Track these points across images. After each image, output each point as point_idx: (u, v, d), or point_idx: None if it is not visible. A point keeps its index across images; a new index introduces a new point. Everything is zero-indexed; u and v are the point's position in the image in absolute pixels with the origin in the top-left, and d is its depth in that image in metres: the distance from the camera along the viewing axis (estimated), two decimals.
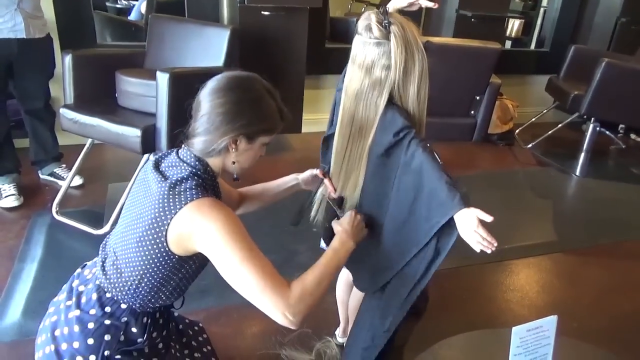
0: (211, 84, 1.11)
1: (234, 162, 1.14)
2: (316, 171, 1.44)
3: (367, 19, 1.27)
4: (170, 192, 1.05)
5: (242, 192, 1.46)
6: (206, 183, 1.11)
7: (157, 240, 1.05)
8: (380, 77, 1.27)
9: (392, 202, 1.32)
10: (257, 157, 1.19)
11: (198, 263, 1.15)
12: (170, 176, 1.09)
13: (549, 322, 0.97)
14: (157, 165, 1.14)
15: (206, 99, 1.09)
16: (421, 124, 1.35)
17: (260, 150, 1.18)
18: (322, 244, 1.69)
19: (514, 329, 0.96)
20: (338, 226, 1.31)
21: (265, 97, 1.12)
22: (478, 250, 1.14)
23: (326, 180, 1.42)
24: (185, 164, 1.11)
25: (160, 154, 1.19)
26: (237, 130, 1.08)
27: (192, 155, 1.12)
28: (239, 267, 1.03)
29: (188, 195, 1.04)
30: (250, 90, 1.11)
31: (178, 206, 1.04)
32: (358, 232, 1.31)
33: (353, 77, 1.31)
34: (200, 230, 1.03)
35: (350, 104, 1.33)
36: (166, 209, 1.04)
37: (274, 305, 1.03)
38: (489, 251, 1.14)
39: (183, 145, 1.15)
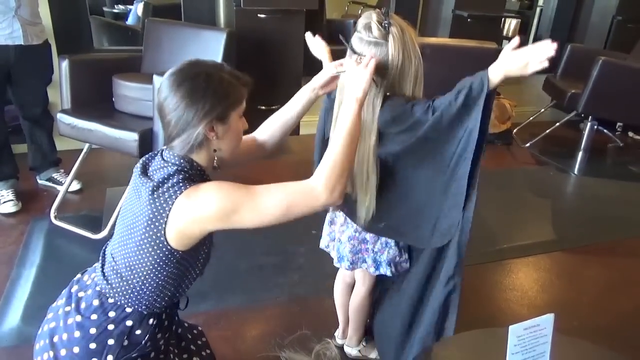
0: (163, 85, 1.09)
1: (215, 150, 1.13)
2: (331, 69, 1.35)
3: (368, 18, 1.29)
4: (158, 192, 1.05)
5: (258, 135, 1.39)
6: (194, 176, 1.10)
7: (157, 241, 1.05)
8: (377, 77, 1.28)
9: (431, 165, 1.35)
10: (241, 132, 1.17)
11: (204, 255, 1.15)
12: (155, 177, 1.09)
13: (546, 320, 0.97)
14: (144, 170, 1.14)
15: (165, 102, 1.08)
16: None
17: (240, 125, 1.16)
18: (321, 244, 1.69)
19: (511, 327, 0.96)
20: (345, 93, 1.24)
21: (215, 74, 1.09)
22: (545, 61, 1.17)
23: (339, 65, 1.33)
24: (170, 164, 1.10)
25: (145, 158, 1.18)
26: (206, 117, 1.06)
27: (176, 155, 1.11)
28: (256, 212, 1.04)
29: (177, 189, 1.04)
30: (199, 74, 1.08)
31: (170, 202, 1.04)
32: (359, 84, 1.20)
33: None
34: (200, 213, 1.03)
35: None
36: (159, 209, 1.04)
37: (310, 205, 1.07)
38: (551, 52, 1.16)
39: (166, 148, 1.14)
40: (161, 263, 1.07)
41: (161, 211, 1.04)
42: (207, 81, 1.07)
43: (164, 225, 1.04)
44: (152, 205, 1.05)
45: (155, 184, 1.06)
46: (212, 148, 1.12)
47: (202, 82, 1.07)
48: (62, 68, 2.49)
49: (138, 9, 3.98)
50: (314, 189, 1.07)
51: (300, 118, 1.40)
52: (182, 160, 1.10)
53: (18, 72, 2.52)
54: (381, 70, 1.27)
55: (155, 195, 1.05)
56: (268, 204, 1.05)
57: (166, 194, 1.05)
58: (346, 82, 1.26)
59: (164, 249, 1.06)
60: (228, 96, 1.09)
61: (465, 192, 1.30)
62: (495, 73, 1.20)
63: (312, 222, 1.57)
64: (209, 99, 1.06)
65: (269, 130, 1.39)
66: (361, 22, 1.30)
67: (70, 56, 2.52)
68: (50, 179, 2.86)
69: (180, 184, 1.05)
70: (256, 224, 1.07)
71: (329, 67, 1.37)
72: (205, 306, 2.03)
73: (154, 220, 1.04)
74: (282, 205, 1.06)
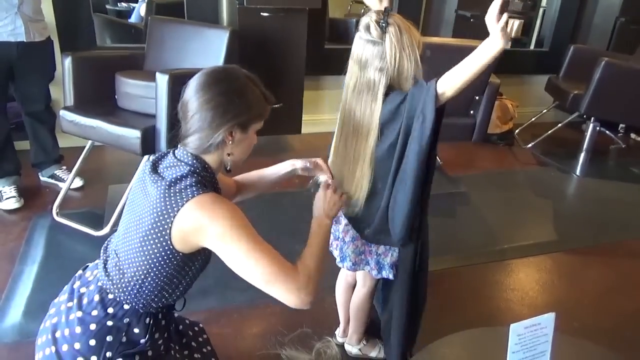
0: (194, 82, 1.12)
1: (229, 154, 1.15)
2: (315, 159, 1.45)
3: (368, 18, 1.30)
4: (170, 191, 1.06)
5: (238, 180, 1.47)
6: (205, 180, 1.12)
7: (161, 239, 1.06)
8: (374, 79, 1.30)
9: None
10: (252, 146, 1.20)
11: (202, 260, 1.16)
12: (168, 176, 1.09)
13: (547, 319, 0.97)
14: (154, 167, 1.15)
15: (193, 98, 1.10)
16: None
17: (254, 138, 1.19)
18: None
19: (512, 326, 0.96)
20: (315, 210, 1.34)
21: (249, 85, 1.12)
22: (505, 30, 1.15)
23: (325, 166, 1.43)
24: (183, 163, 1.11)
25: (156, 156, 1.19)
26: (231, 122, 1.09)
27: (189, 154, 1.12)
28: (247, 258, 1.06)
29: (189, 192, 1.05)
30: (233, 80, 1.12)
31: (180, 204, 1.04)
32: (332, 207, 1.33)
33: (352, 73, 1.35)
34: (204, 226, 1.04)
35: (349, 99, 1.37)
36: (168, 208, 1.05)
37: (288, 290, 1.09)
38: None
39: (179, 146, 1.15)
40: (162, 262, 1.08)
41: (170, 210, 1.05)
42: (242, 89, 1.11)
43: (170, 225, 1.05)
44: (163, 203, 1.05)
45: (167, 182, 1.07)
46: (226, 152, 1.14)
47: (237, 87, 1.10)
48: (65, 65, 2.50)
49: (141, 7, 3.99)
50: (300, 289, 1.09)
51: (273, 186, 1.49)
52: (195, 161, 1.11)
53: (20, 69, 2.53)
54: None
55: (167, 194, 1.06)
56: (259, 262, 1.07)
57: (178, 195, 1.05)
58: (315, 204, 1.34)
59: (167, 248, 1.07)
60: (255, 108, 1.13)
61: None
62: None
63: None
64: (239, 105, 1.10)
65: (246, 183, 1.47)
66: (362, 21, 1.33)
67: (73, 53, 2.52)
68: (52, 176, 2.87)
69: (194, 187, 1.06)
70: (237, 269, 1.09)
71: (318, 165, 1.44)
72: (207, 304, 2.03)
73: (161, 218, 1.05)
74: (265, 275, 1.08)
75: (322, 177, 1.44)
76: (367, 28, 1.29)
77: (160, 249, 1.07)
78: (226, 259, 1.08)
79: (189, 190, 1.05)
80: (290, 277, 1.09)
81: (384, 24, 1.26)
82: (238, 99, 1.10)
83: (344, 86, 1.39)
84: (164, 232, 1.05)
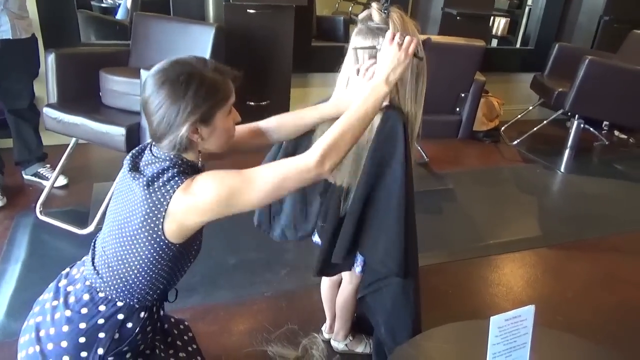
0: (146, 85, 1.06)
1: (200, 151, 1.12)
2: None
3: (368, 8, 1.30)
4: (154, 186, 1.04)
5: (264, 123, 1.33)
6: (187, 170, 1.09)
7: (154, 235, 1.05)
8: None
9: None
10: (230, 129, 1.14)
11: (197, 248, 1.16)
12: (149, 172, 1.08)
13: (527, 312, 0.98)
14: (134, 163, 1.13)
15: (148, 101, 1.05)
16: (417, 121, 1.35)
17: (228, 122, 1.12)
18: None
19: (492, 318, 0.97)
20: (376, 71, 1.20)
21: (196, 73, 1.04)
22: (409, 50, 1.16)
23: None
24: (160, 159, 1.09)
25: (134, 152, 1.17)
26: (189, 119, 1.03)
27: (165, 152, 1.10)
28: (251, 188, 1.05)
29: (173, 184, 1.04)
30: (178, 75, 1.03)
31: (167, 197, 1.03)
32: (396, 68, 1.17)
33: (347, 62, 1.34)
34: (196, 200, 1.03)
35: (345, 94, 1.35)
36: (157, 203, 1.04)
37: (304, 179, 1.07)
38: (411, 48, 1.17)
39: (154, 144, 1.12)
40: (156, 256, 1.07)
41: (159, 206, 1.03)
42: (187, 82, 1.02)
43: (161, 220, 1.03)
44: (149, 200, 1.04)
45: (149, 178, 1.05)
46: (198, 149, 1.11)
47: (182, 83, 1.02)
48: (49, 62, 2.47)
49: (127, 2, 3.95)
50: (307, 162, 1.06)
51: (317, 123, 1.35)
52: (173, 156, 1.09)
53: (4, 66, 2.49)
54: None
55: (150, 190, 1.04)
56: (261, 181, 1.05)
57: (162, 188, 1.04)
58: (379, 60, 1.20)
59: (161, 243, 1.06)
60: (211, 97, 1.05)
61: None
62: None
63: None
64: (190, 100, 1.02)
65: (282, 120, 1.35)
66: (361, 15, 1.32)
67: (57, 50, 2.50)
68: (36, 174, 2.83)
69: (177, 178, 1.05)
70: (254, 203, 1.08)
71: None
72: (193, 301, 2.02)
73: (150, 215, 1.04)
74: (275, 181, 1.06)
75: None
76: (369, 17, 1.29)
77: (154, 245, 1.06)
78: (240, 210, 1.06)
79: (172, 182, 1.04)
80: (296, 166, 1.06)
81: (386, 11, 1.26)
82: (186, 93, 1.02)
83: (338, 83, 1.38)
84: (155, 229, 1.04)
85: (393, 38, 1.18)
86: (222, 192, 1.03)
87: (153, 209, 1.04)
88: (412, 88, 1.30)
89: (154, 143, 1.12)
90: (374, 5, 1.29)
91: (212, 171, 1.07)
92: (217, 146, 1.13)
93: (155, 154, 1.11)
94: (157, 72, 1.06)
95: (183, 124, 1.04)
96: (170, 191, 1.03)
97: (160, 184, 1.05)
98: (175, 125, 1.04)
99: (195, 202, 1.03)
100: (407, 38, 1.19)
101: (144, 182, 1.05)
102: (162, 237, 1.05)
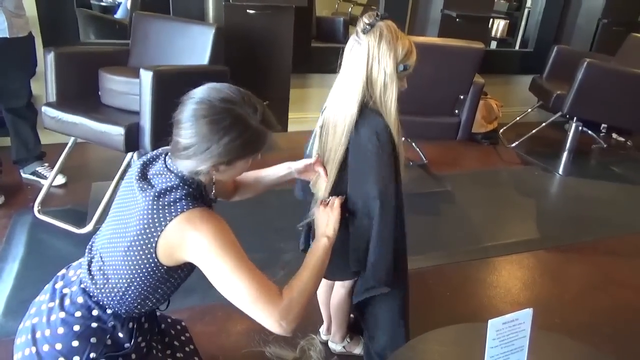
0: (190, 108, 1.03)
1: (213, 183, 1.14)
2: (311, 160, 1.42)
3: (362, 17, 1.31)
4: (159, 202, 1.04)
5: (236, 179, 1.42)
6: (196, 192, 1.09)
7: (146, 251, 1.04)
8: (352, 81, 1.30)
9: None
10: (245, 170, 1.16)
11: (186, 272, 1.15)
12: (157, 185, 1.07)
13: (525, 315, 0.98)
14: (144, 171, 1.12)
15: (185, 125, 1.03)
16: (394, 122, 1.35)
17: (245, 166, 1.13)
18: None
19: (490, 321, 0.97)
20: (316, 229, 1.33)
21: (244, 118, 1.03)
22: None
23: (321, 170, 1.40)
24: (172, 174, 1.08)
25: (146, 159, 1.16)
26: (215, 159, 1.04)
27: (179, 169, 1.09)
28: (230, 277, 1.03)
29: (178, 207, 1.03)
30: (226, 113, 1.01)
31: (168, 218, 1.02)
32: (327, 225, 1.30)
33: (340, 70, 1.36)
34: (191, 241, 1.02)
35: (335, 96, 1.37)
36: (156, 221, 1.03)
37: (267, 315, 1.04)
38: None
39: (170, 157, 1.11)
40: (146, 273, 1.07)
41: (157, 223, 1.03)
42: (228, 128, 1.01)
43: (156, 238, 1.03)
44: (151, 215, 1.03)
45: (157, 192, 1.05)
46: (212, 178, 1.13)
47: (223, 128, 1.01)
48: (48, 61, 2.46)
49: (127, 2, 3.94)
50: (280, 317, 1.04)
51: (270, 187, 1.48)
52: (185, 175, 1.08)
53: (1, 65, 2.48)
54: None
55: (155, 205, 1.03)
56: (242, 282, 1.03)
57: (167, 208, 1.03)
58: (316, 222, 1.35)
59: (151, 261, 1.05)
60: (246, 149, 1.06)
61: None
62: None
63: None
64: (223, 147, 1.01)
65: (243, 183, 1.45)
66: (357, 24, 1.33)
67: (56, 48, 2.49)
68: (34, 173, 2.83)
69: (183, 201, 1.03)
70: (220, 287, 1.06)
71: (314, 164, 1.42)
72: (190, 301, 2.02)
73: (148, 229, 1.03)
74: (247, 295, 1.04)
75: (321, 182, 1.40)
76: (359, 26, 1.30)
77: (145, 261, 1.05)
78: (209, 276, 1.05)
79: (178, 204, 1.03)
80: (272, 303, 1.04)
81: (368, 26, 1.27)
82: (225, 136, 1.01)
83: (335, 85, 1.39)
84: (149, 245, 1.03)
85: (322, 203, 1.36)
86: (211, 256, 1.03)
87: (151, 225, 1.03)
88: (379, 93, 1.31)
89: (169, 154, 1.11)
90: (364, 17, 1.29)
91: (224, 227, 1.05)
92: (228, 179, 1.18)
93: (169, 167, 1.10)
94: (200, 102, 1.02)
95: (207, 161, 1.04)
96: (174, 213, 1.02)
97: (166, 202, 1.04)
98: (200, 159, 1.04)
99: (188, 239, 1.03)
100: (331, 198, 1.36)
101: (152, 195, 1.04)
102: (153, 256, 1.04)
